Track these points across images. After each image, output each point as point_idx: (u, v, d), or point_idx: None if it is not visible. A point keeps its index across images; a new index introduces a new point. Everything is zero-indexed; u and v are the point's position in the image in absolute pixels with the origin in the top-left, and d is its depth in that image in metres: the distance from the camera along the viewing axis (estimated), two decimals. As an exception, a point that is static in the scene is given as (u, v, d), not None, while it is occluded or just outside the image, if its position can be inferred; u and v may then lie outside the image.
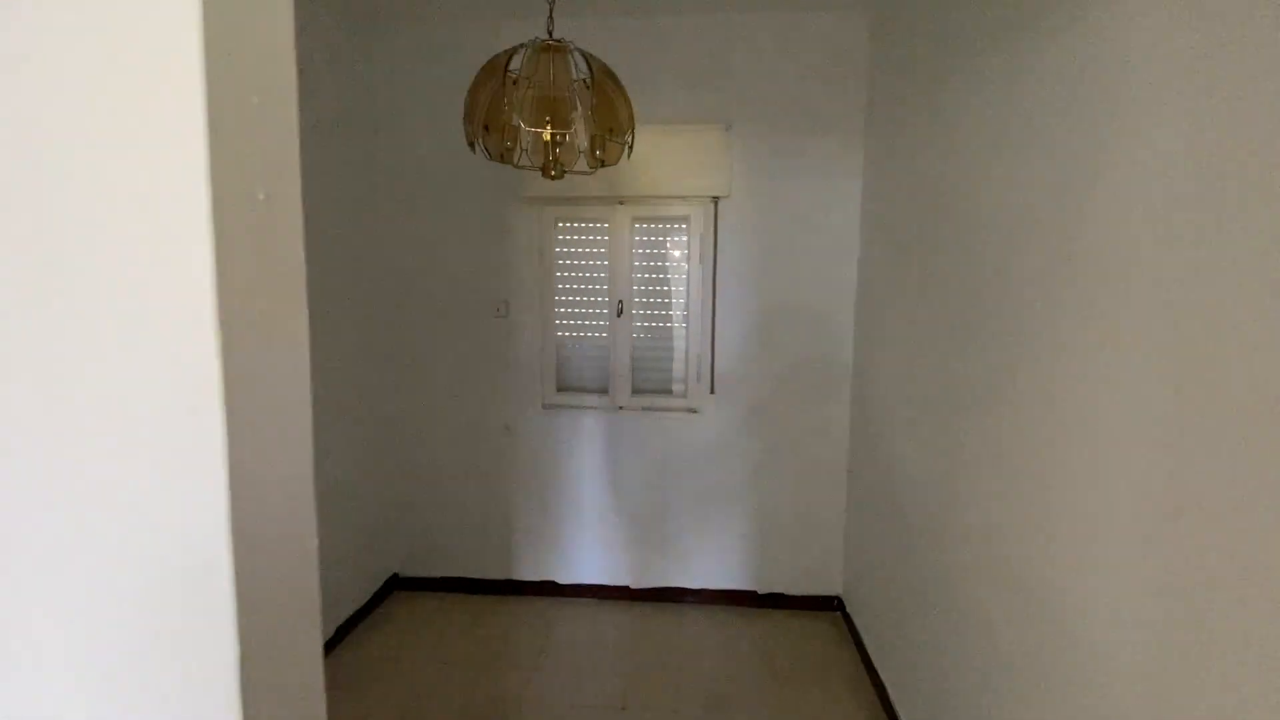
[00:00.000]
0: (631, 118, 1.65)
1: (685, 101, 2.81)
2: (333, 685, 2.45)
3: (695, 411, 3.01)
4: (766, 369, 2.95)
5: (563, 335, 3.08)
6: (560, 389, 3.09)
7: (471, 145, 1.61)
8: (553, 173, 1.64)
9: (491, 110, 1.52)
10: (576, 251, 3.03)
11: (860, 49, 2.73)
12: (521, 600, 3.13)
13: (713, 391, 2.99)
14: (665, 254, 2.99)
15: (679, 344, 3.04)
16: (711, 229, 2.89)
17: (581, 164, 1.79)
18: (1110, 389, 1.12)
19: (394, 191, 3.00)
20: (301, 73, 0.57)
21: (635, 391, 3.06)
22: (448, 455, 3.14)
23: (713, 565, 3.09)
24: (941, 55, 1.93)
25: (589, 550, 3.14)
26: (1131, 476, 1.07)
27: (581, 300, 3.05)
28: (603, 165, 1.76)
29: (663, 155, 2.83)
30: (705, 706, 2.37)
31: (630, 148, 1.72)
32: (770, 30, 2.75)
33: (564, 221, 3.00)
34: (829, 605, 3.06)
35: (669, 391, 3.06)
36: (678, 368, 3.05)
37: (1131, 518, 1.07)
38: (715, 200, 2.87)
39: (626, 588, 3.14)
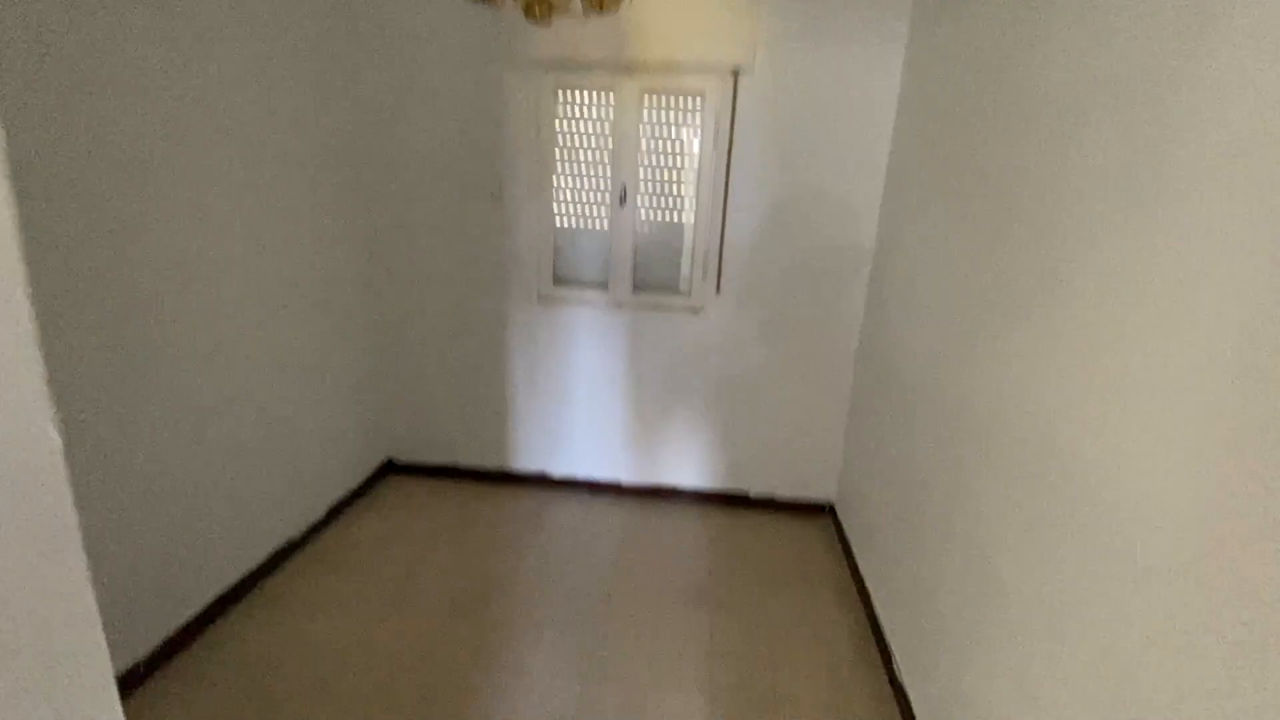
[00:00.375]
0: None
1: (708, -52, 2.41)
2: (323, 564, 2.49)
3: (698, 312, 2.85)
4: (777, 267, 2.75)
5: (561, 224, 2.86)
6: (557, 281, 2.92)
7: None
8: (537, 12, 1.38)
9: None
10: (578, 130, 2.74)
11: (921, -114, 2.28)
12: (513, 490, 3.14)
13: (718, 291, 2.81)
14: (676, 136, 2.70)
15: (686, 238, 2.82)
16: (729, 108, 2.58)
17: (577, 8, 1.52)
18: (1197, 278, 0.94)
19: (377, 55, 2.67)
20: None
21: (637, 288, 2.88)
22: (441, 344, 3.03)
23: (706, 466, 3.06)
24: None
25: (582, 445, 3.10)
26: (1219, 375, 0.92)
27: (582, 185, 2.80)
28: (601, 9, 1.48)
29: (678, 18, 2.47)
30: (687, 601, 2.40)
31: (632, -13, 1.43)
32: None
33: (565, 89, 2.69)
34: (820, 511, 3.05)
35: (673, 289, 2.88)
36: (684, 265, 2.85)
37: (1216, 427, 0.93)
38: (735, 74, 2.53)
39: (618, 484, 3.13)
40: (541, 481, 3.17)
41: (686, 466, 3.07)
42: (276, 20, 2.18)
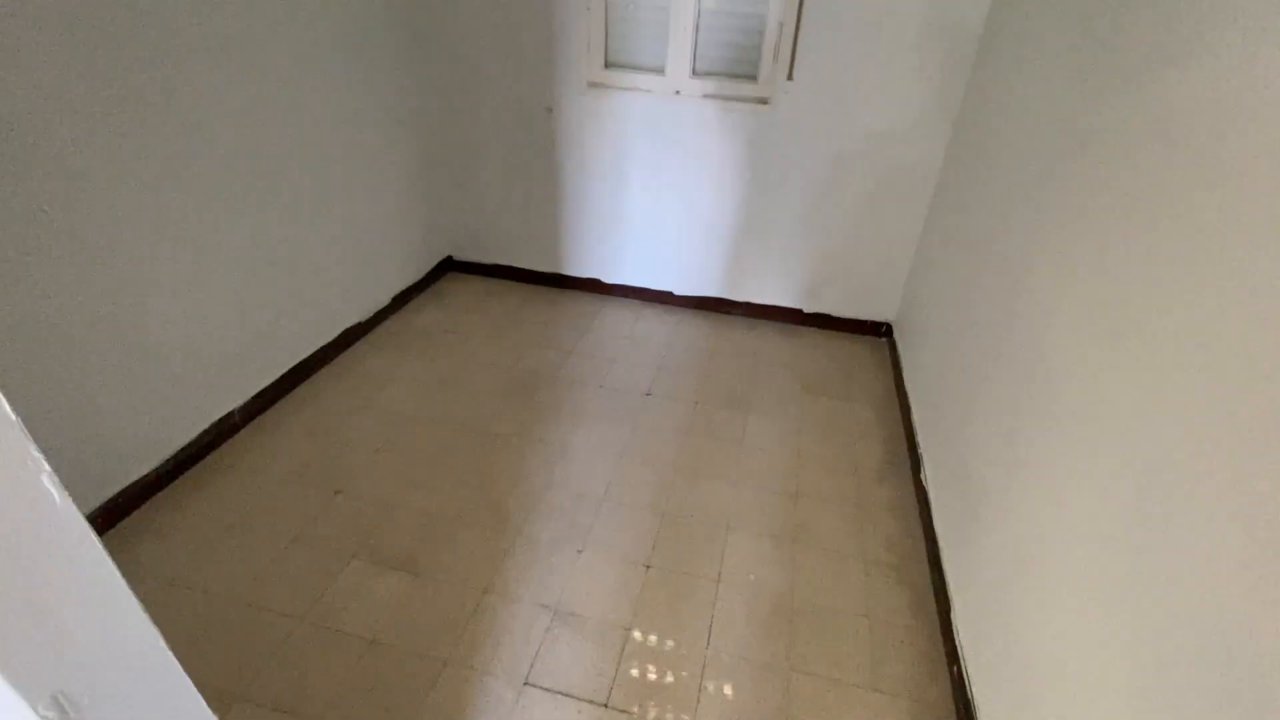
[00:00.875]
0: None
1: None
2: (387, 345, 2.68)
3: (765, 102, 2.54)
4: (861, 48, 2.35)
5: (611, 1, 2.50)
6: (609, 64, 2.64)
7: None
8: None
9: None
10: None
11: None
12: (566, 293, 3.19)
13: (790, 77, 2.46)
14: None
15: (754, 9, 2.41)
16: None
17: None
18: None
19: None
20: None
21: (697, 73, 2.56)
22: (492, 138, 2.90)
23: (762, 280, 2.95)
24: None
25: (634, 252, 3.04)
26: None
27: (639, -61, 2.39)
28: None
29: None
30: (725, 403, 2.46)
31: None
32: None
33: None
34: (877, 331, 2.94)
35: (740, 75, 2.55)
36: (750, 45, 2.48)
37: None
38: None
39: (670, 293, 3.11)
40: (594, 286, 3.19)
41: (742, 279, 2.98)
42: None
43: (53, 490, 0.45)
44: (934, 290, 2.32)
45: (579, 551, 1.80)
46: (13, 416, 0.42)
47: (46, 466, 0.45)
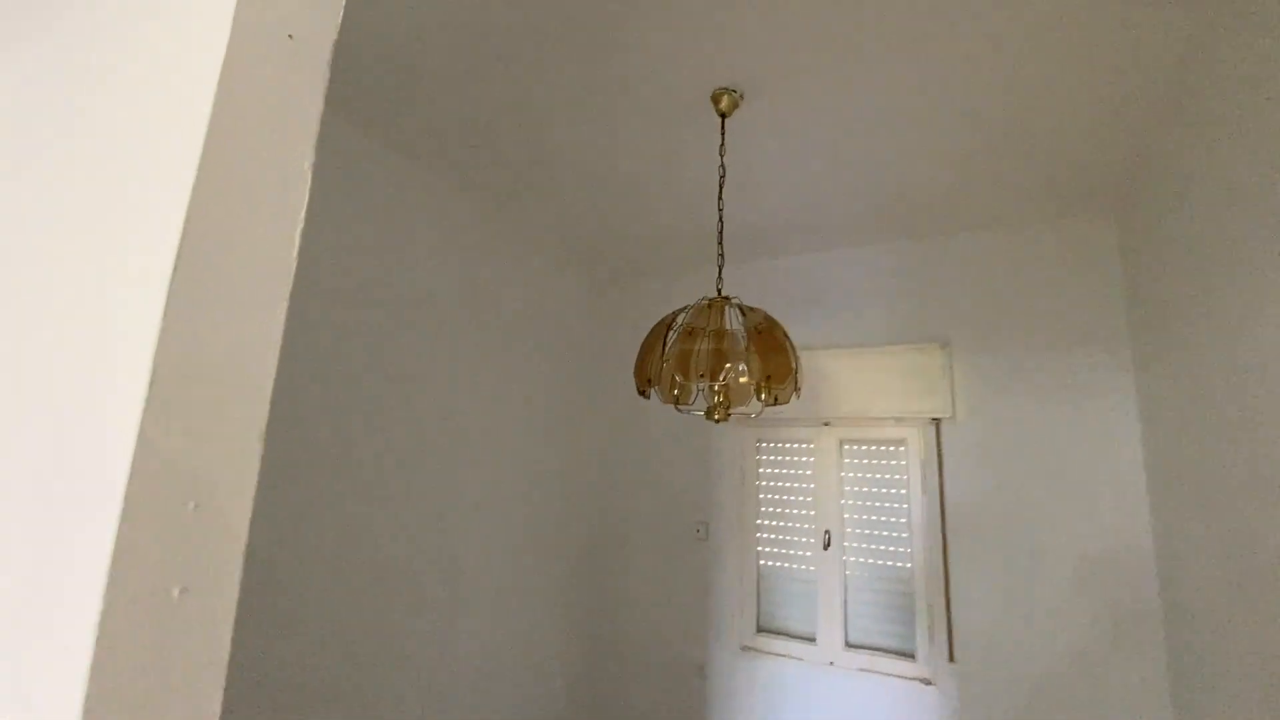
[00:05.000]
0: (791, 364, 1.60)
1: (892, 322, 2.67)
2: None
3: (930, 683, 2.38)
4: (1032, 631, 2.26)
5: (765, 565, 2.82)
6: (761, 629, 2.76)
7: (643, 393, 1.71)
8: (716, 416, 1.63)
9: (657, 365, 1.62)
10: (780, 473, 2.87)
11: (1109, 254, 2.34)
12: None
13: (952, 660, 2.36)
14: (881, 479, 2.66)
15: (902, 588, 2.54)
16: (934, 453, 2.52)
17: (755, 405, 1.76)
18: None
19: (602, 410, 3.29)
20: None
21: (850, 645, 2.57)
22: (643, 698, 2.92)
23: None
24: (1218, 259, 1.54)
25: None
26: None
27: (786, 527, 2.82)
28: (774, 404, 1.70)
29: (870, 376, 2.66)
30: None
31: (798, 391, 1.65)
32: (987, 243, 2.55)
33: (765, 442, 2.92)
34: None
35: (895, 651, 2.50)
36: (903, 620, 2.52)
37: None
38: (936, 422, 2.53)
39: None
40: None
41: None
42: (548, 368, 2.89)
43: None
44: None
45: None
46: None
47: None
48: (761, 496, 2.88)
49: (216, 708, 0.43)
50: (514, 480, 2.68)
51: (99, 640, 0.37)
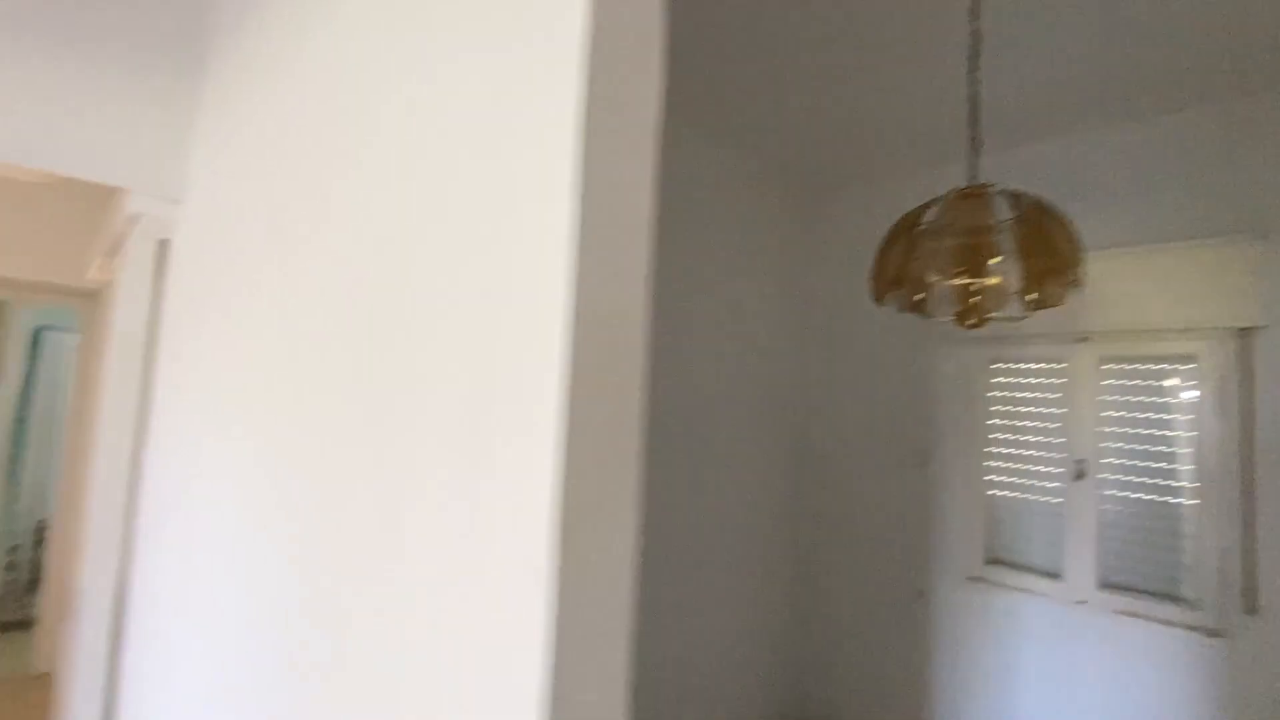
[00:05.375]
0: (1075, 251, 1.38)
1: (1181, 212, 2.19)
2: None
3: (1218, 635, 2.04)
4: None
5: (996, 495, 2.59)
6: (989, 560, 2.56)
7: (878, 300, 1.60)
8: (970, 321, 1.48)
9: (901, 266, 1.50)
10: (1017, 397, 2.57)
11: None
12: (930, 819, 2.54)
13: (1253, 611, 1.99)
14: (1151, 403, 2.26)
15: (1185, 528, 2.17)
16: (1235, 371, 2.06)
17: (1014, 308, 1.57)
18: None
19: (807, 331, 3.18)
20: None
21: (1105, 586, 2.28)
22: (851, 623, 2.90)
23: None
24: None
25: (1029, 789, 2.36)
26: None
27: (1023, 455, 2.54)
28: (1040, 308, 1.50)
29: (1149, 281, 2.23)
30: None
31: (1078, 284, 1.42)
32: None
33: (1000, 363, 2.62)
34: None
35: (1168, 596, 2.18)
36: (1169, 562, 2.17)
37: None
38: (1243, 333, 2.06)
39: None
40: (968, 820, 2.49)
41: None
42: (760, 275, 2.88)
43: None
44: None
45: None
46: None
47: None
48: (993, 422, 2.61)
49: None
50: (730, 393, 2.76)
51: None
